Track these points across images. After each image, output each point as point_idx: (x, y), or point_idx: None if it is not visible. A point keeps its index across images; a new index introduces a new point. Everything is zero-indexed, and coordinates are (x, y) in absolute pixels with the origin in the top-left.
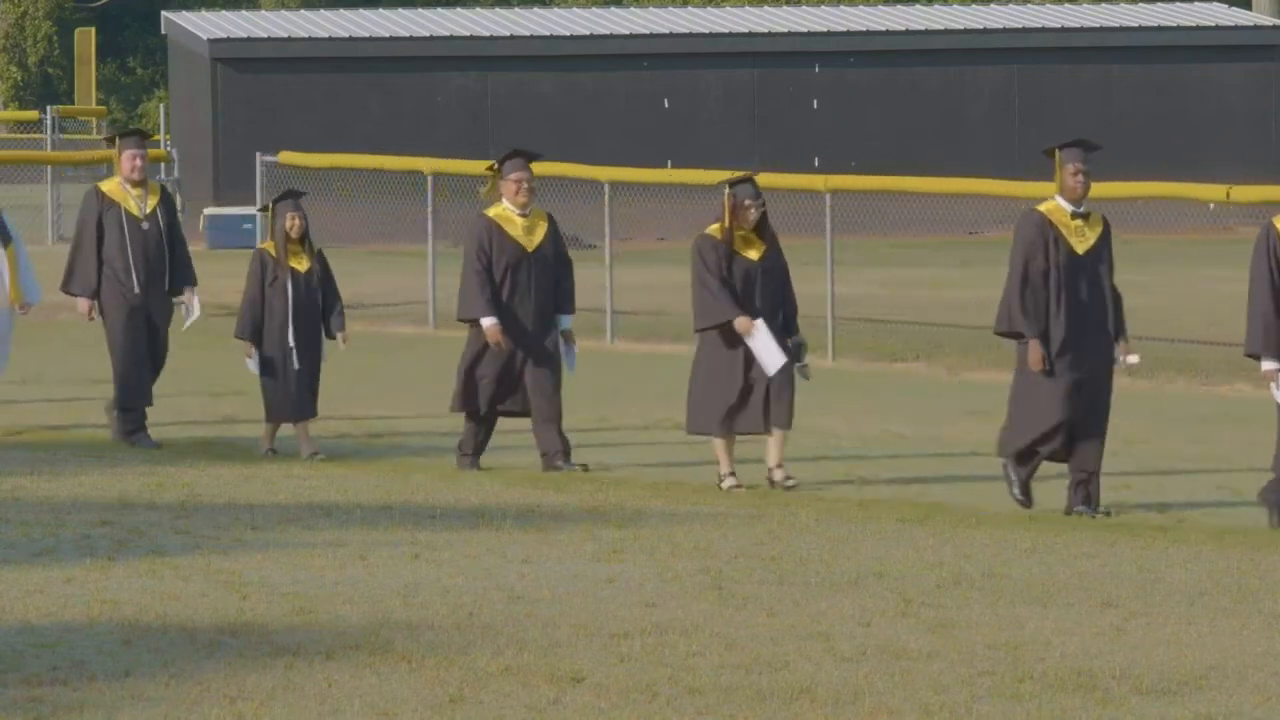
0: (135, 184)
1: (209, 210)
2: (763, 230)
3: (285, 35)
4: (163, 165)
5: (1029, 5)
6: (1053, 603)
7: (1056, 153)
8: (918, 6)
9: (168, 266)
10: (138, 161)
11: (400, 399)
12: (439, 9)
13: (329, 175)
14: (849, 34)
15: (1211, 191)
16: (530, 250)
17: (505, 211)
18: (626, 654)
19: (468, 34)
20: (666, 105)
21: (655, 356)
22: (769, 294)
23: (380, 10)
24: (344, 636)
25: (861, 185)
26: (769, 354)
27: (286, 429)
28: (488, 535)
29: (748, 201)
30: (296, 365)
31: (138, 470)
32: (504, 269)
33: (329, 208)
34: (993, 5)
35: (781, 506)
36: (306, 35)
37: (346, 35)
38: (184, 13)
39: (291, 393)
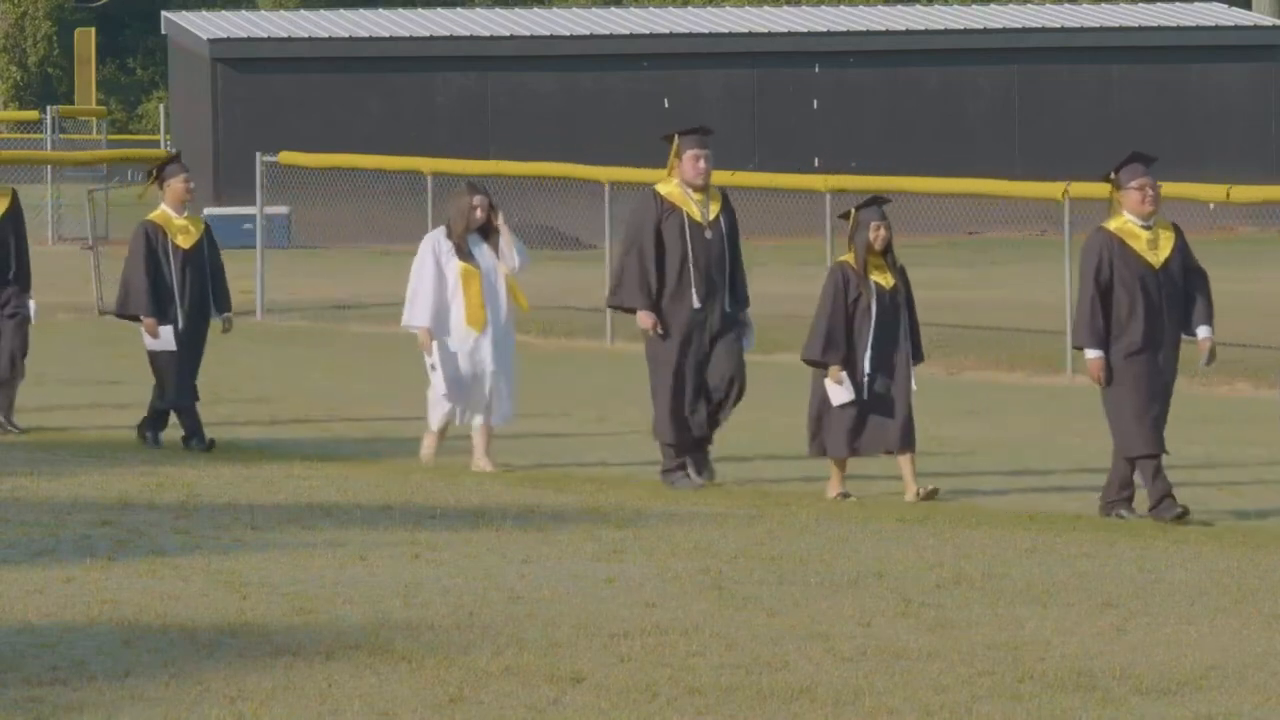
0: (698, 188)
1: (209, 210)
2: None
3: (285, 35)
4: None
5: (1029, 5)
6: (1053, 603)
7: None
8: (918, 6)
9: (728, 280)
10: (701, 164)
11: (400, 399)
12: (439, 9)
13: (329, 175)
14: (849, 34)
15: (1211, 191)
16: (1157, 267)
17: (1127, 224)
18: (626, 654)
19: (468, 34)
20: (666, 105)
21: None
22: None
23: (380, 10)
24: (344, 636)
25: (861, 185)
26: None
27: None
28: (488, 535)
29: None
30: (879, 391)
31: (138, 470)
32: (1127, 288)
33: (329, 207)
34: (993, 5)
35: (781, 506)
36: (306, 35)
37: (346, 35)
38: (184, 13)
39: (882, 421)
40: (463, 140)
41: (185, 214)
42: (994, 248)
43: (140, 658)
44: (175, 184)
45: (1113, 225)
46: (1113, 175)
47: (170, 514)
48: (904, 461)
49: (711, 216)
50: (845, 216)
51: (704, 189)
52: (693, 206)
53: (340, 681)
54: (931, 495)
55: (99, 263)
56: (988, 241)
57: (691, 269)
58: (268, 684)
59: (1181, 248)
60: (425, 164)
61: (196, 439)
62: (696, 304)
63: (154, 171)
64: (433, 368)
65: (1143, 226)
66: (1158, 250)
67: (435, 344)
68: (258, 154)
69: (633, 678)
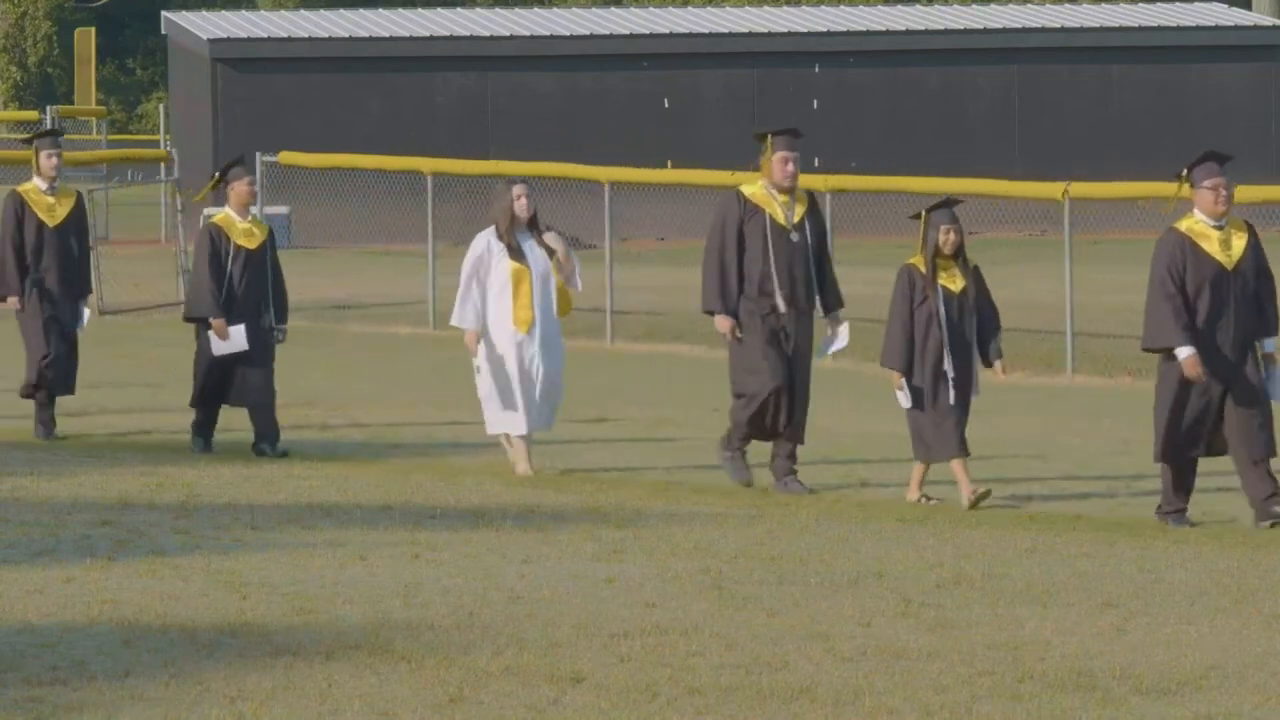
0: (783, 190)
1: (209, 211)
2: None
3: (285, 35)
4: (163, 165)
5: (1029, 5)
6: (1053, 603)
7: None
8: (918, 6)
9: (814, 282)
10: (790, 167)
11: (400, 399)
12: (439, 9)
13: (329, 175)
14: (849, 34)
15: None
16: (1230, 268)
17: (1199, 224)
18: (626, 654)
19: (468, 34)
20: (666, 105)
21: (655, 356)
22: None
23: (380, 10)
24: (344, 636)
25: (861, 185)
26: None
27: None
28: (488, 535)
29: None
30: (951, 399)
31: (138, 470)
32: (1198, 289)
33: (329, 207)
34: (993, 5)
35: (781, 506)
36: (306, 35)
37: (346, 35)
38: (184, 13)
39: (946, 429)
40: (463, 140)
41: (249, 217)
42: (994, 248)
43: (140, 658)
44: (239, 186)
45: (1183, 225)
46: (1184, 173)
47: (170, 514)
48: (957, 466)
49: (796, 219)
50: (916, 217)
51: (790, 191)
52: (776, 208)
53: (340, 681)
54: (984, 497)
55: (99, 263)
56: (988, 241)
57: (774, 271)
58: (268, 684)
59: (1254, 246)
60: (425, 164)
61: (202, 442)
62: (780, 307)
63: (218, 174)
64: (478, 369)
65: (1214, 226)
66: (1230, 250)
67: (481, 346)
68: (258, 154)
69: (633, 678)
